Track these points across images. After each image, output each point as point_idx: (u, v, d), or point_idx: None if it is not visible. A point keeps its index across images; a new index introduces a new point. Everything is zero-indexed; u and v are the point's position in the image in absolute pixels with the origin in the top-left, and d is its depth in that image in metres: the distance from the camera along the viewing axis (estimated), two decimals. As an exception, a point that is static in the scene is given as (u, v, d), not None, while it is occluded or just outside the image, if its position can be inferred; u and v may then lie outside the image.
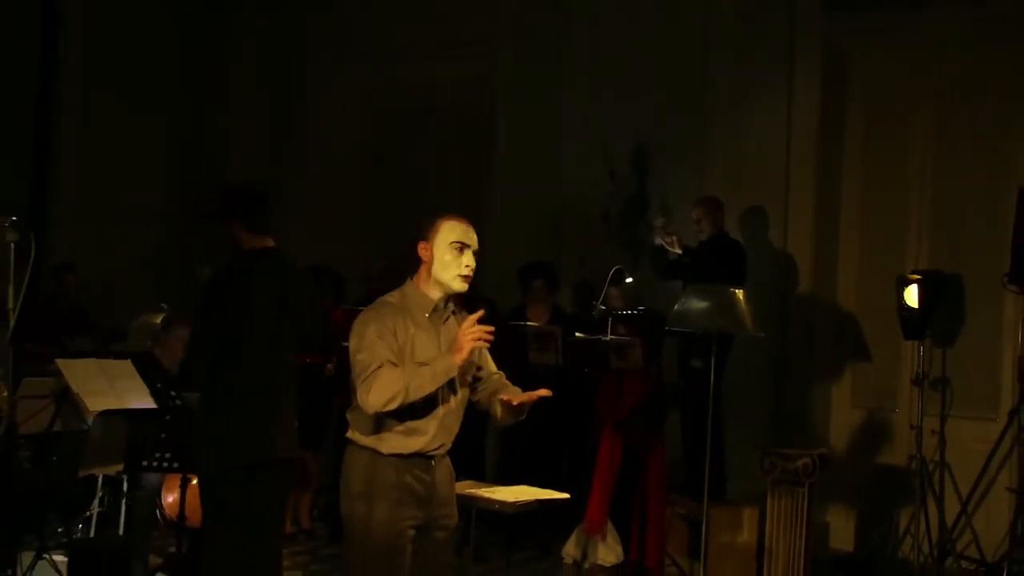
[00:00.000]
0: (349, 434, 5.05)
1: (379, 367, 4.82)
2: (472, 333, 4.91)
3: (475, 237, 5.13)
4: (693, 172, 10.71)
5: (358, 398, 4.88)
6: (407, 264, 5.18)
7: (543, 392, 5.11)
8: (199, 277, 8.94)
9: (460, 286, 5.08)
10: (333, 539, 9.24)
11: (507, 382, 5.35)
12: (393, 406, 4.81)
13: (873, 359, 10.36)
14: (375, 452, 4.97)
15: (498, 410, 5.21)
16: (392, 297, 5.10)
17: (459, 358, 4.90)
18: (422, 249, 5.07)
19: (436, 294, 5.09)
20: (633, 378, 8.55)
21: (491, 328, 4.99)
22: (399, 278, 5.23)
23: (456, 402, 5.14)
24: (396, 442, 4.98)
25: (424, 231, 5.09)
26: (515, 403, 5.10)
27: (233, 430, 6.24)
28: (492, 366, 5.38)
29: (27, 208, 11.05)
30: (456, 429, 5.19)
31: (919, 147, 10.27)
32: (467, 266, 5.07)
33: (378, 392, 4.79)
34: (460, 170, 12.16)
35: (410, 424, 4.97)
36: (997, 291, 9.52)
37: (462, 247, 5.07)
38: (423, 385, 4.84)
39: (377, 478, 4.96)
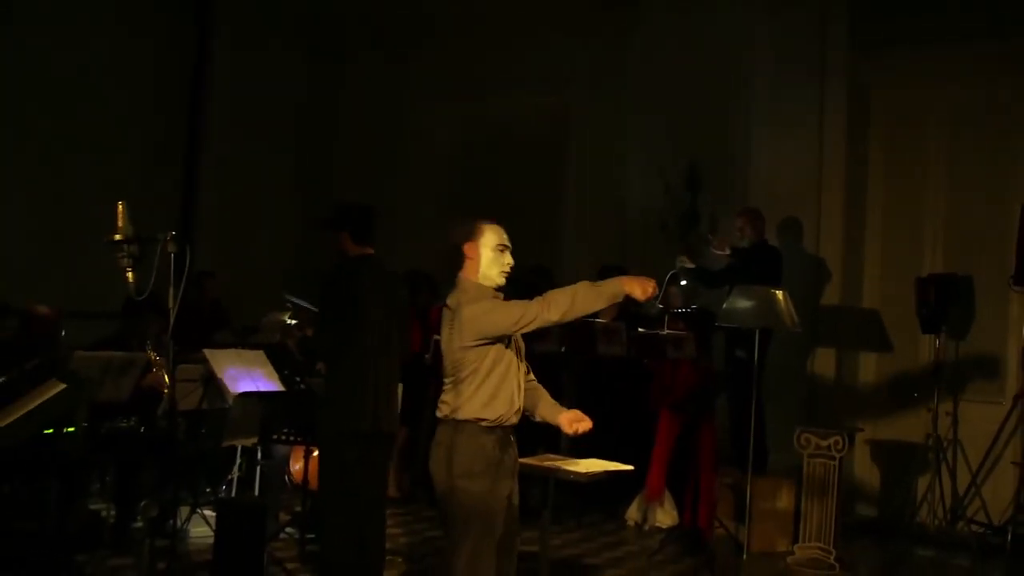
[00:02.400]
0: (453, 414, 4.94)
1: (530, 302, 4.84)
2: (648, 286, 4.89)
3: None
4: (737, 189, 10.64)
5: (540, 313, 4.82)
6: (453, 263, 5.14)
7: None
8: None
9: (502, 281, 5.09)
10: (429, 504, 9.20)
11: (542, 389, 5.37)
12: (569, 315, 4.83)
13: (894, 350, 10.24)
14: (478, 428, 4.89)
15: (537, 416, 5.30)
16: (465, 294, 5.02)
17: (628, 288, 4.86)
18: (469, 249, 5.05)
19: (487, 285, 5.06)
20: (686, 367, 8.47)
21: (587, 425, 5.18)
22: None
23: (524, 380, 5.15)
24: (495, 408, 4.92)
25: (467, 234, 5.07)
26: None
27: (348, 407, 6.31)
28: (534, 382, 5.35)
29: (178, 225, 11.12)
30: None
31: (932, 167, 10.17)
32: (508, 264, 5.10)
33: (551, 306, 4.81)
34: (538, 189, 12.09)
35: (501, 394, 4.91)
36: (1003, 291, 9.45)
37: (504, 248, 5.09)
38: (589, 299, 4.85)
39: (480, 456, 4.90)
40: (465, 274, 5.07)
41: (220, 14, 12.30)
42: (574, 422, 5.19)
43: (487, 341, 4.89)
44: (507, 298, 5.07)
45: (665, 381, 8.63)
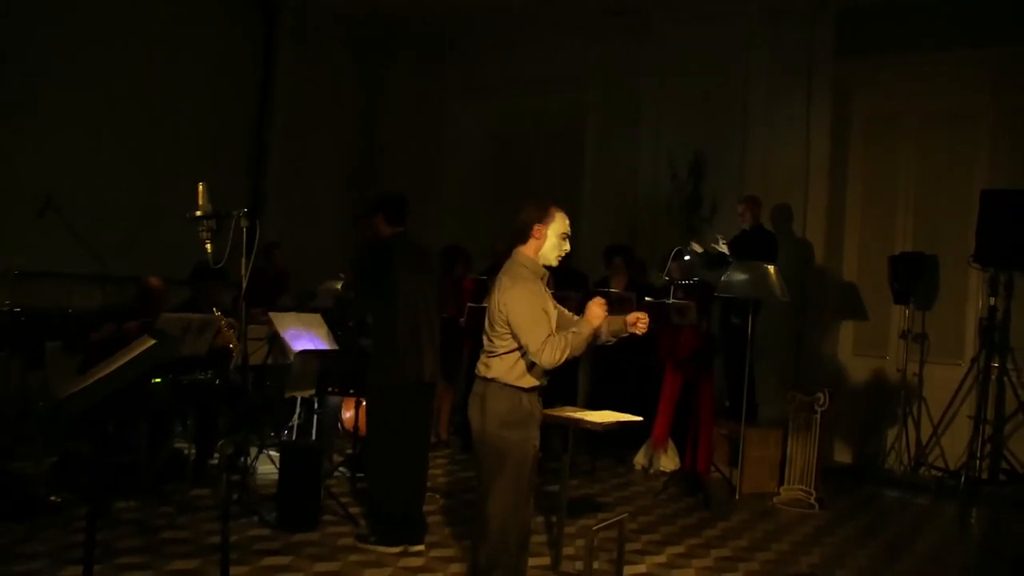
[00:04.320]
0: (491, 375, 4.89)
1: (548, 336, 4.72)
2: (640, 322, 4.98)
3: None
4: (735, 177, 10.60)
5: (537, 356, 4.73)
6: (514, 236, 5.02)
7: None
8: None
9: (555, 264, 5.01)
10: (464, 449, 9.25)
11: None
12: (561, 361, 4.73)
13: (869, 318, 10.22)
14: (516, 388, 4.85)
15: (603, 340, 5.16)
16: (522, 267, 4.92)
17: (593, 320, 4.81)
18: (537, 229, 4.93)
19: (541, 264, 4.99)
20: (688, 331, 8.44)
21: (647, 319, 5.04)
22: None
23: None
24: (529, 380, 4.88)
25: (541, 216, 4.95)
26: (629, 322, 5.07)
27: (393, 362, 6.30)
28: (570, 314, 5.22)
29: (248, 204, 11.20)
30: None
31: (904, 160, 10.15)
32: (566, 251, 5.02)
33: (550, 354, 4.70)
34: (560, 175, 12.08)
35: (536, 368, 4.86)
36: (964, 268, 9.43)
37: (566, 237, 5.00)
38: (577, 346, 4.77)
39: (516, 410, 4.86)
40: (525, 250, 4.97)
41: (283, 24, 12.32)
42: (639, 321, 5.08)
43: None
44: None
45: (670, 344, 8.60)
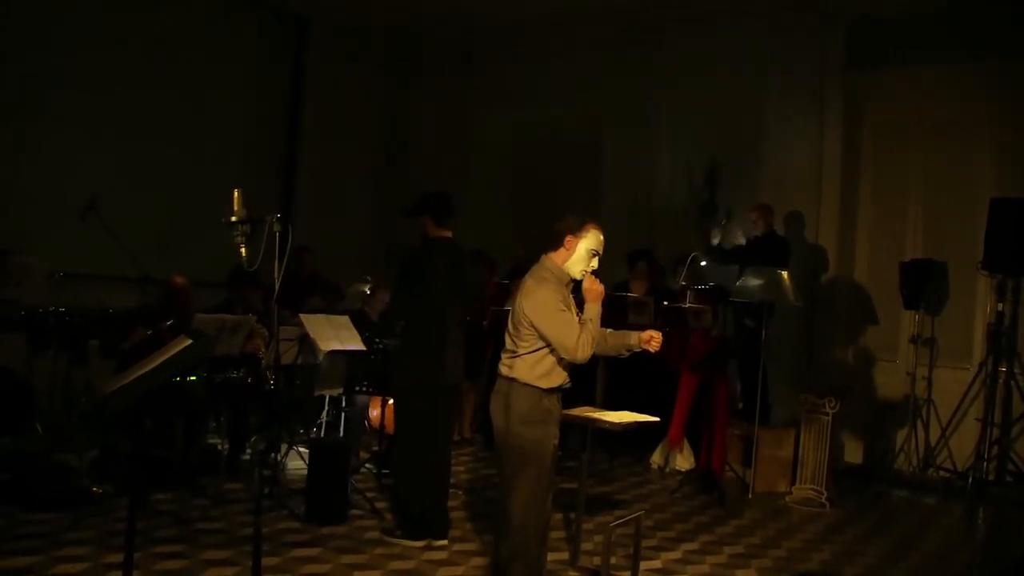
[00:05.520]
0: (513, 374, 4.88)
1: (580, 334, 4.73)
2: (653, 340, 5.05)
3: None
4: (749, 185, 10.59)
5: (573, 353, 4.74)
6: (545, 241, 5.00)
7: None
8: (388, 260, 9.07)
9: (580, 278, 4.95)
10: (487, 447, 9.28)
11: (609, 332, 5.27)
12: (591, 353, 4.76)
13: (880, 323, 10.19)
14: (535, 388, 4.85)
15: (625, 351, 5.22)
16: (548, 272, 4.91)
17: (598, 301, 4.86)
18: (569, 240, 4.90)
19: (567, 274, 4.96)
20: (704, 334, 8.45)
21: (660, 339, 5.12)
22: (535, 257, 5.07)
23: None
24: (551, 380, 4.89)
25: (576, 228, 4.92)
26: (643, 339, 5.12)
27: (419, 363, 6.33)
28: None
29: (280, 208, 11.28)
30: None
31: (915, 167, 10.11)
32: (593, 268, 4.97)
33: (584, 350, 4.71)
34: (580, 183, 12.09)
35: (558, 368, 4.90)
36: (973, 275, 9.39)
37: (596, 254, 4.97)
38: (595, 331, 4.80)
39: (537, 408, 4.87)
40: (555, 257, 4.94)
41: (315, 34, 12.42)
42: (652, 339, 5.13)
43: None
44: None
45: (685, 346, 8.62)
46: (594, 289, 4.88)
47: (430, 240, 6.50)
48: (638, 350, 5.16)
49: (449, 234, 6.52)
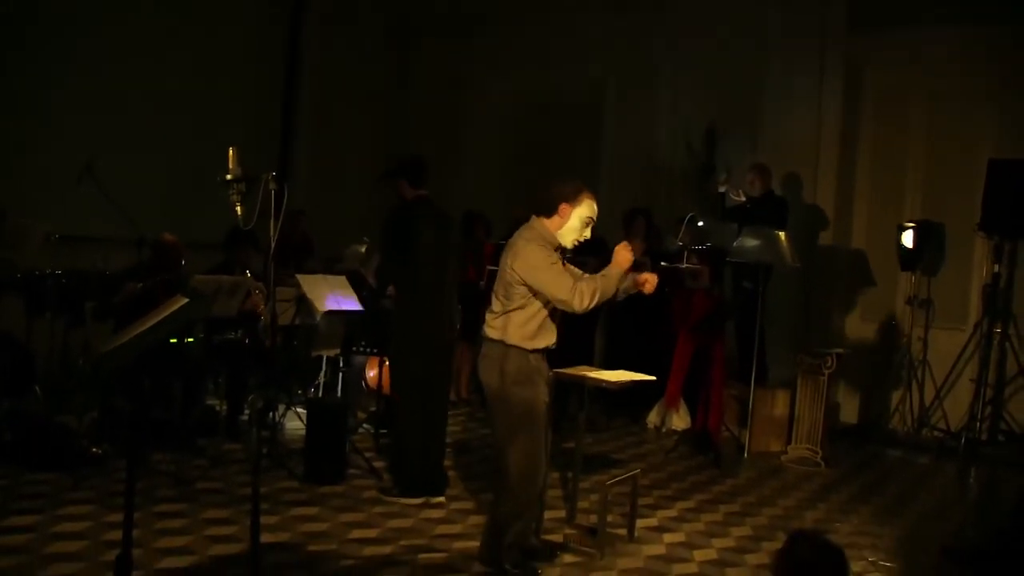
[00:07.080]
0: (500, 336, 4.90)
1: (575, 284, 4.73)
2: (627, 253, 4.88)
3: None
4: (748, 146, 10.57)
5: (568, 304, 4.73)
6: (539, 205, 4.99)
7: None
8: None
9: (570, 247, 4.98)
10: (483, 407, 9.27)
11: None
12: (591, 305, 4.73)
13: (877, 284, 10.20)
14: (523, 349, 4.88)
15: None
16: (537, 234, 4.90)
17: (622, 262, 4.85)
18: (564, 208, 4.89)
19: (558, 241, 4.95)
20: (701, 295, 8.46)
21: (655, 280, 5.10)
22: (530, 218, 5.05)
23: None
24: (536, 342, 4.91)
25: (571, 196, 4.91)
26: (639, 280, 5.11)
27: (415, 324, 6.35)
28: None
29: (278, 171, 11.24)
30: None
31: (914, 129, 10.04)
32: (585, 237, 4.99)
33: (580, 300, 4.69)
34: (581, 145, 12.04)
35: (545, 328, 4.90)
36: (970, 236, 9.39)
37: (589, 222, 4.97)
38: (608, 288, 4.79)
39: (526, 367, 4.89)
40: (546, 223, 4.93)
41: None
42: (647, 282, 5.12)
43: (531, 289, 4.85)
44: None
45: (683, 307, 8.61)
46: (625, 256, 4.87)
47: (408, 202, 6.50)
48: (633, 292, 5.16)
49: (425, 194, 6.52)
